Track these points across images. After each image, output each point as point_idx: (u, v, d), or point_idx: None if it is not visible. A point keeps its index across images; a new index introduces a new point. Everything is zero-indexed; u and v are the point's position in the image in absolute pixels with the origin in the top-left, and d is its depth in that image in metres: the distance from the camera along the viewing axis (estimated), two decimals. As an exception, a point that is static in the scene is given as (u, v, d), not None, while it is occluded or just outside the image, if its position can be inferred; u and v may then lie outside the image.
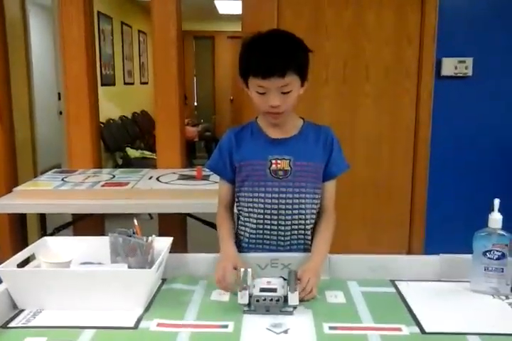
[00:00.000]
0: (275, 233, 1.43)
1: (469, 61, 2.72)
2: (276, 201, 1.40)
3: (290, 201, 1.40)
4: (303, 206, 1.41)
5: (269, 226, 1.42)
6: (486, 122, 2.79)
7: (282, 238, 1.43)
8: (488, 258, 1.22)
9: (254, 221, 1.43)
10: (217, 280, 1.25)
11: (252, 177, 1.41)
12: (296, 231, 1.43)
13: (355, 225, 2.85)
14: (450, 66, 2.72)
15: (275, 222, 1.42)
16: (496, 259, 1.21)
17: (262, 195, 1.41)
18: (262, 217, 1.42)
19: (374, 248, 2.78)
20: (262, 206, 1.41)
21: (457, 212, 2.84)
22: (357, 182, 2.80)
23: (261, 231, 1.43)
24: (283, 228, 1.42)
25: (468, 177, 2.83)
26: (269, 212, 1.41)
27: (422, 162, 2.81)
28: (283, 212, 1.41)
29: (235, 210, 1.51)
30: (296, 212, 1.41)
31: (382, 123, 2.82)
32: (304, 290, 1.19)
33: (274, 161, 1.39)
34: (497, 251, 1.21)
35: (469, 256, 1.27)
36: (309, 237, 1.44)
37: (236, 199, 1.49)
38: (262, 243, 1.44)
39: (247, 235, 1.46)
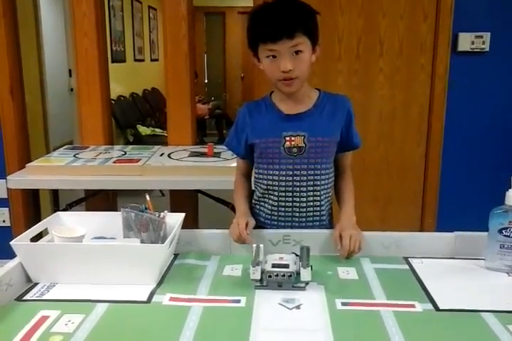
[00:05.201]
0: (290, 210, 1.42)
1: (487, 36, 2.65)
2: (291, 178, 1.39)
3: (305, 178, 1.39)
4: (317, 182, 1.40)
5: (284, 203, 1.42)
6: (503, 99, 2.74)
7: (298, 214, 1.43)
8: (504, 235, 1.20)
9: (272, 197, 1.43)
10: (235, 237, 1.31)
11: (267, 154, 1.40)
12: (311, 208, 1.42)
13: (366, 203, 2.84)
14: (467, 41, 2.66)
15: (290, 199, 1.41)
16: (512, 237, 1.20)
17: (277, 172, 1.40)
18: (277, 194, 1.42)
19: (385, 226, 2.77)
20: (277, 184, 1.41)
21: (470, 190, 2.81)
22: (369, 160, 2.78)
23: (276, 208, 1.43)
24: (298, 205, 1.41)
25: (483, 155, 2.80)
26: (283, 189, 1.41)
27: (436, 139, 2.78)
28: (298, 189, 1.40)
29: (253, 186, 1.52)
30: (310, 188, 1.40)
31: (396, 100, 2.77)
32: (349, 247, 1.26)
33: (288, 138, 1.37)
34: (513, 228, 1.19)
35: (484, 233, 1.25)
36: (324, 212, 1.45)
37: (255, 176, 1.49)
38: (277, 220, 1.44)
39: (267, 211, 1.45)
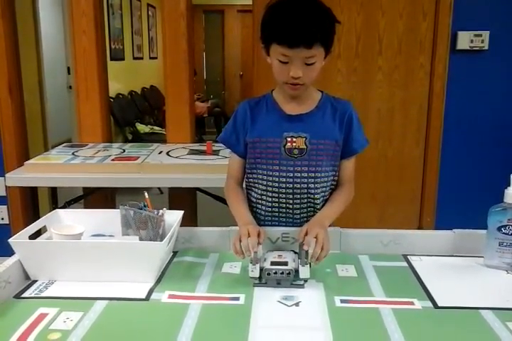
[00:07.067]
0: (289, 211, 1.40)
1: (486, 35, 2.65)
2: (291, 180, 1.36)
3: (305, 180, 1.36)
4: (318, 185, 1.37)
5: (283, 205, 1.40)
6: (502, 97, 2.74)
7: (297, 216, 1.40)
8: (503, 233, 1.20)
9: (270, 199, 1.40)
10: (234, 249, 1.19)
11: (267, 154, 1.37)
12: (308, 209, 1.40)
13: (365, 202, 2.85)
14: (466, 40, 2.66)
15: (290, 201, 1.39)
16: (511, 235, 1.19)
17: (277, 173, 1.37)
18: (276, 195, 1.39)
19: (384, 224, 2.78)
20: (276, 185, 1.38)
21: (469, 188, 2.81)
22: (368, 158, 2.78)
23: (275, 209, 1.41)
24: (298, 206, 1.39)
25: (482, 154, 2.80)
26: (283, 191, 1.38)
27: (435, 138, 2.78)
28: (298, 191, 1.37)
29: (245, 186, 1.48)
30: (311, 191, 1.37)
31: (395, 98, 2.78)
32: (316, 246, 1.15)
33: (289, 139, 1.34)
34: (512, 226, 1.19)
35: (483, 231, 1.26)
36: None
37: (249, 176, 1.45)
38: (271, 220, 1.42)
39: (262, 213, 1.43)
